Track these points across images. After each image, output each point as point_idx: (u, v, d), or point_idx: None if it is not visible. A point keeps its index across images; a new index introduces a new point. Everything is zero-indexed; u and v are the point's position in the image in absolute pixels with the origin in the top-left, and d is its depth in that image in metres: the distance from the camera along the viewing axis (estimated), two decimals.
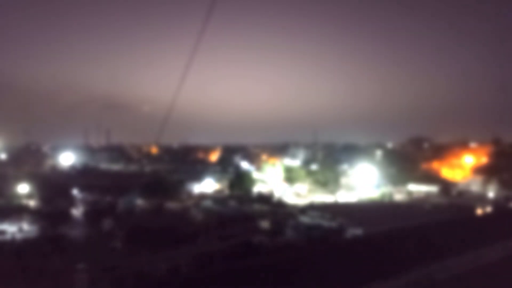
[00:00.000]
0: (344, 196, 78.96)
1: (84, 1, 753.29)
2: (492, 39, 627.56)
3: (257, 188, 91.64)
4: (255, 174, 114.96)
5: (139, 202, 70.50)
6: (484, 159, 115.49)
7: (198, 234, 44.63)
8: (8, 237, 45.71)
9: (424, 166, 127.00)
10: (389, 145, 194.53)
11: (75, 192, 75.66)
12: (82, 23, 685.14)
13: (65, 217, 53.67)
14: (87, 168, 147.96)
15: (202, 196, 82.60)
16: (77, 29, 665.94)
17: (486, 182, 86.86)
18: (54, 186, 77.55)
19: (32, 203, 68.23)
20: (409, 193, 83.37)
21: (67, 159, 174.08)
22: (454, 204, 61.20)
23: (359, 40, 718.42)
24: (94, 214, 58.26)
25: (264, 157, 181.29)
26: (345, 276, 12.89)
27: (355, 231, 38.80)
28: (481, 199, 66.16)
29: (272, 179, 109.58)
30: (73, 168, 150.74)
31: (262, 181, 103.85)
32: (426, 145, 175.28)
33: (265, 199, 75.56)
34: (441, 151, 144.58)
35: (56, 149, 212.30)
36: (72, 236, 47.46)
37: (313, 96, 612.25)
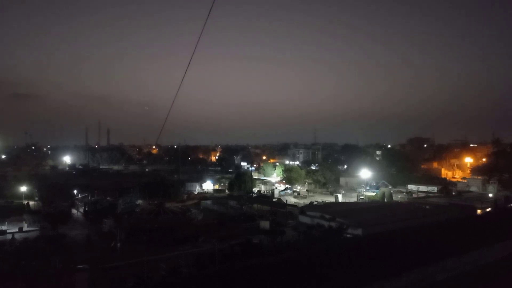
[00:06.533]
0: (343, 196, 78.90)
1: (84, 3, 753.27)
2: (492, 39, 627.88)
3: (257, 188, 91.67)
4: (255, 175, 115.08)
5: (139, 202, 70.50)
6: (484, 159, 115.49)
7: (198, 234, 44.66)
8: (8, 237, 45.70)
9: (424, 166, 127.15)
10: (389, 145, 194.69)
11: (75, 192, 75.62)
12: (82, 24, 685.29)
13: (65, 217, 53.55)
14: (87, 168, 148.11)
15: (203, 196, 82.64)
16: (77, 30, 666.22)
17: (486, 182, 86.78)
18: (54, 186, 77.54)
19: (32, 203, 68.19)
20: (409, 193, 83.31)
21: (67, 159, 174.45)
22: (454, 204, 61.12)
23: (359, 41, 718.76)
24: (94, 214, 58.25)
25: (264, 157, 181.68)
26: (345, 276, 12.88)
27: (354, 231, 38.80)
28: (481, 199, 65.98)
29: (272, 179, 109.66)
30: (73, 168, 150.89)
31: (262, 181, 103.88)
32: (425, 145, 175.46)
33: (265, 199, 75.52)
34: (441, 152, 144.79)
35: (57, 149, 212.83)
36: (72, 236, 47.50)
37: (313, 96, 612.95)
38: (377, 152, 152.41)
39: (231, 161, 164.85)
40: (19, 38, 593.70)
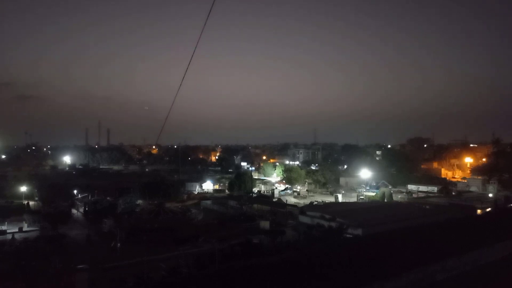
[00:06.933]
0: (343, 196, 78.95)
1: (84, 3, 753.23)
2: (494, 40, 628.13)
3: (257, 188, 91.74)
4: (255, 175, 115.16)
5: (139, 202, 70.54)
6: (484, 159, 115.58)
7: (198, 234, 44.70)
8: (8, 237, 45.72)
9: (424, 166, 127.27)
10: (389, 145, 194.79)
11: (75, 192, 75.66)
12: (82, 25, 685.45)
13: (65, 217, 53.58)
14: (87, 168, 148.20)
15: (203, 196, 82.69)
16: (78, 30, 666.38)
17: (486, 182, 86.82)
18: (54, 186, 77.57)
19: (32, 203, 68.21)
20: (409, 193, 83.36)
21: (67, 159, 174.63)
22: (454, 204, 61.16)
23: (359, 41, 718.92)
24: (94, 214, 58.28)
25: (264, 157, 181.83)
26: (345, 276, 12.89)
27: (354, 231, 38.83)
28: (481, 199, 66.01)
29: (272, 179, 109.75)
30: (73, 168, 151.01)
31: (262, 181, 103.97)
32: (425, 145, 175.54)
33: (265, 199, 75.56)
34: (441, 152, 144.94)
35: (57, 149, 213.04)
36: (72, 236, 47.52)
37: (313, 96, 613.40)
38: (377, 152, 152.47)
39: (231, 161, 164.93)
40: (22, 41, 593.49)
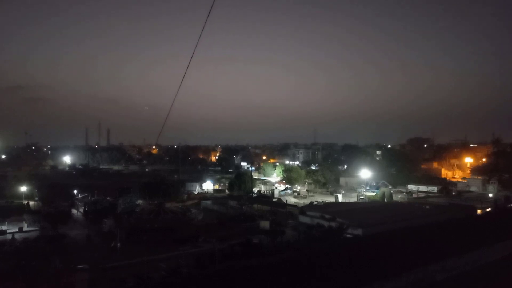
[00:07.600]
0: (343, 196, 78.93)
1: (85, 3, 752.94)
2: (492, 39, 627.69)
3: (257, 188, 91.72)
4: (255, 175, 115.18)
5: (139, 202, 70.51)
6: (484, 159, 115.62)
7: (198, 234, 44.69)
8: (8, 237, 45.71)
9: (424, 166, 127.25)
10: (389, 145, 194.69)
11: (75, 192, 75.64)
12: (83, 25, 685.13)
13: (65, 217, 53.54)
14: (87, 168, 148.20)
15: (203, 196, 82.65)
16: (79, 30, 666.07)
17: (486, 182, 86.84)
18: (54, 186, 77.54)
19: (32, 203, 68.19)
20: (409, 193, 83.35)
21: (67, 159, 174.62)
22: (454, 204, 61.14)
23: (359, 40, 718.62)
24: (94, 214, 58.27)
25: (264, 157, 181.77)
26: (345, 276, 12.88)
27: (355, 231, 38.81)
28: (481, 199, 66.00)
29: (272, 179, 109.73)
30: (73, 168, 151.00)
31: (262, 181, 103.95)
32: (425, 145, 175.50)
33: (265, 199, 75.54)
34: (441, 152, 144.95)
35: (57, 149, 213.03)
36: (72, 236, 47.51)
37: (313, 96, 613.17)
38: (377, 152, 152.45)
39: (231, 161, 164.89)
40: (22, 43, 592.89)
